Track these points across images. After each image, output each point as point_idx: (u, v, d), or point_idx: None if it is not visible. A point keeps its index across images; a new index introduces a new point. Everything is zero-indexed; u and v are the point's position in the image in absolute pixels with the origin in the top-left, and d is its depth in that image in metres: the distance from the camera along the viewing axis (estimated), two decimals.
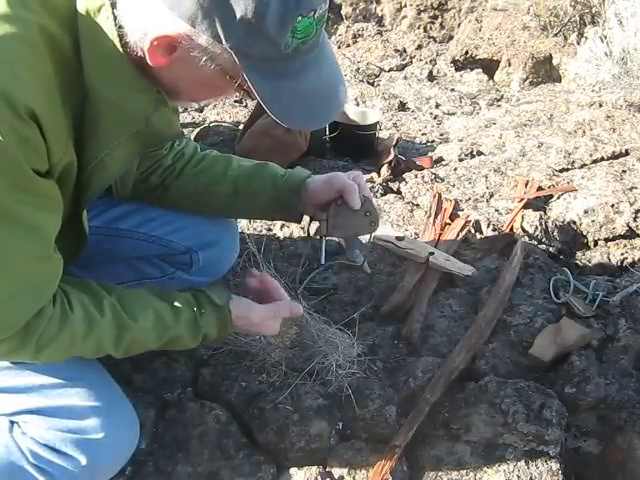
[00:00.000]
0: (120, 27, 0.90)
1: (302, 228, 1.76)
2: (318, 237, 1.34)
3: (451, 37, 4.19)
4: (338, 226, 1.31)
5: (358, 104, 3.05)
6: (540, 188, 2.14)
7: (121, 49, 0.93)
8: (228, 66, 0.89)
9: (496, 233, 1.91)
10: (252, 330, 1.27)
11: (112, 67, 0.93)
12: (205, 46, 0.87)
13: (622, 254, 1.87)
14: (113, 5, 0.90)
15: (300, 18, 0.85)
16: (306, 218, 1.41)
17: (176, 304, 1.14)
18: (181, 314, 1.13)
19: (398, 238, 1.80)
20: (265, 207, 1.39)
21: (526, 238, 1.87)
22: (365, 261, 1.39)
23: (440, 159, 2.47)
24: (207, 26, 0.84)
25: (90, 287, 1.09)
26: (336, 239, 1.70)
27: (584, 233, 1.96)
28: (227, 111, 2.91)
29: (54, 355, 1.03)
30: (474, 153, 2.48)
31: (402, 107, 3.10)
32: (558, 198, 2.09)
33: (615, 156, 2.34)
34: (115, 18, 0.91)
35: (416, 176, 2.25)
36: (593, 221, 1.96)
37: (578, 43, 3.51)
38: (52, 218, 0.97)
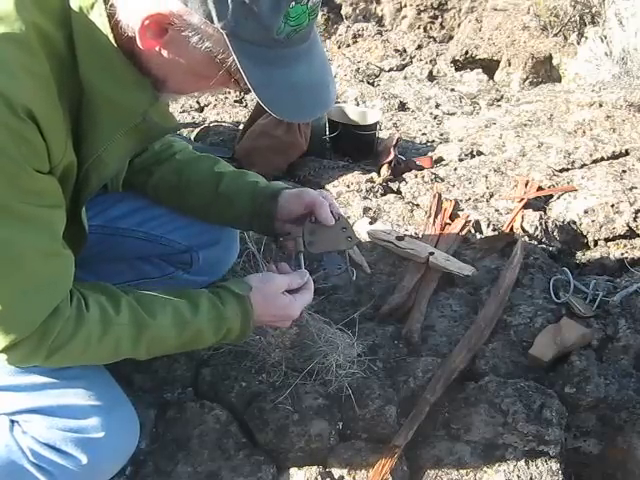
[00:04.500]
0: (111, 5, 0.90)
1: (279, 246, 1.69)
2: (294, 254, 1.32)
3: (451, 37, 4.20)
4: (315, 243, 1.30)
5: (358, 104, 3.05)
6: (540, 188, 2.14)
7: (115, 44, 0.93)
8: (218, 49, 0.89)
9: (496, 233, 1.91)
10: (274, 311, 1.21)
11: (107, 62, 0.94)
12: (197, 26, 0.86)
13: (622, 254, 1.87)
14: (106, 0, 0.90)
15: (293, 4, 0.85)
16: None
17: (195, 298, 1.13)
18: (201, 306, 1.12)
19: (398, 238, 1.80)
20: (242, 211, 1.36)
21: (526, 238, 1.87)
22: (345, 270, 1.37)
23: (440, 159, 2.47)
24: (200, 4, 0.84)
25: (108, 288, 1.08)
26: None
27: (584, 233, 1.96)
28: (227, 111, 2.91)
29: (65, 359, 1.02)
30: (474, 153, 2.48)
31: (402, 107, 3.10)
32: (558, 198, 2.10)
33: (615, 156, 2.34)
34: (108, 14, 0.91)
35: (416, 176, 2.25)
36: (593, 221, 1.96)
37: (578, 43, 3.51)
38: (56, 213, 0.97)
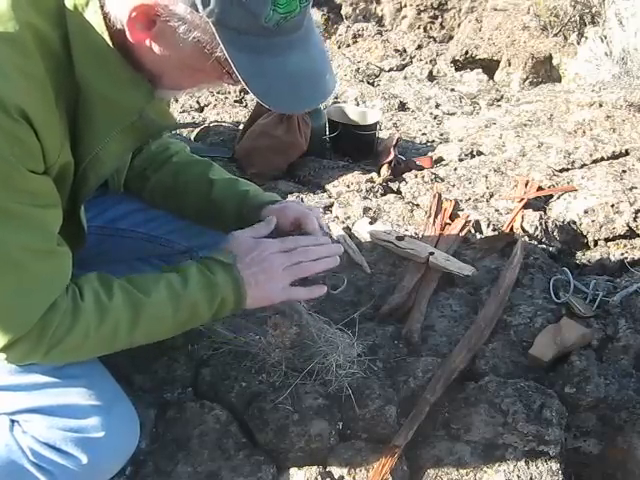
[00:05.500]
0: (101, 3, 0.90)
1: None
2: None
3: (451, 37, 4.20)
4: None
5: (358, 104, 3.05)
6: (540, 188, 2.14)
7: (110, 42, 0.93)
8: (206, 39, 0.88)
9: (496, 233, 1.91)
10: (252, 254, 1.17)
11: (103, 60, 0.94)
12: (183, 15, 0.86)
13: (622, 254, 1.87)
14: None
15: None
16: None
17: (184, 271, 1.12)
18: (192, 278, 1.10)
19: (398, 238, 1.80)
20: (230, 220, 1.35)
21: (526, 238, 1.87)
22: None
23: (440, 159, 2.47)
24: None
25: (100, 276, 1.07)
26: None
27: (584, 233, 1.96)
28: (227, 111, 2.91)
29: (65, 353, 1.02)
30: (474, 153, 2.48)
31: (402, 107, 3.10)
32: (558, 198, 2.10)
33: (615, 156, 2.34)
34: (102, 12, 0.90)
35: (416, 176, 2.26)
36: (593, 221, 1.96)
37: (578, 43, 3.51)
38: (50, 213, 0.97)
